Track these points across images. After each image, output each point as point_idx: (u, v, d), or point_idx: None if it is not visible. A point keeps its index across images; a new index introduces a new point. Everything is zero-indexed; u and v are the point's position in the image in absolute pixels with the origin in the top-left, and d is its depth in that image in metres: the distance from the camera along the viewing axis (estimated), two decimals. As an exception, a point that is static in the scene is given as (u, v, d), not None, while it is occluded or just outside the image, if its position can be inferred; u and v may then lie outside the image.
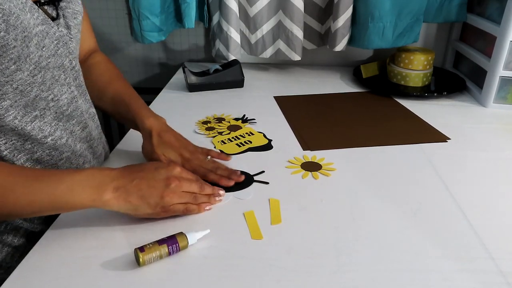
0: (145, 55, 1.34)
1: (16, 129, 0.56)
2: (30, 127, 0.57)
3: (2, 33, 0.48)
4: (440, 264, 0.53)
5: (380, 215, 0.62)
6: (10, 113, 0.54)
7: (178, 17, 1.21)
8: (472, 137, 0.87)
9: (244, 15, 1.19)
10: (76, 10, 0.65)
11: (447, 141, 0.85)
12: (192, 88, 1.09)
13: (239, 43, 1.19)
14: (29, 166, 0.60)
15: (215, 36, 1.21)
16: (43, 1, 0.58)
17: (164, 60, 1.35)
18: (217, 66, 1.12)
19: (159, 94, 1.08)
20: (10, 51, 0.50)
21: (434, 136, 0.88)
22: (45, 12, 0.59)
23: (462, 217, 0.62)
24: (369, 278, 0.50)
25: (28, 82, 0.55)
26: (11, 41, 0.50)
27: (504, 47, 0.95)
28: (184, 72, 1.09)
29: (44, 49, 0.56)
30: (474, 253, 0.55)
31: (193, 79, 1.08)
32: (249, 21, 1.19)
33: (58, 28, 0.60)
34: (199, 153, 0.72)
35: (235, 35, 1.16)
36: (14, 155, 0.58)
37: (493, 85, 1.00)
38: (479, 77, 1.07)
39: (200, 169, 0.69)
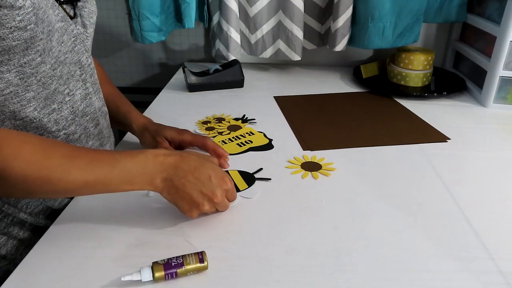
0: (145, 55, 1.34)
1: (35, 120, 0.57)
2: (47, 119, 0.59)
3: (32, 25, 0.50)
4: (440, 264, 0.53)
5: (380, 215, 0.62)
6: (31, 104, 0.56)
7: (178, 17, 1.21)
8: (472, 137, 0.87)
9: (244, 15, 1.19)
10: (92, 10, 0.68)
11: (447, 141, 0.85)
12: (192, 88, 1.09)
13: (239, 43, 1.19)
14: None
15: (215, 36, 1.21)
16: (62, 0, 0.61)
17: (164, 60, 1.35)
18: (217, 66, 1.12)
19: (159, 94, 1.08)
20: (37, 43, 0.52)
21: (434, 136, 0.88)
22: (64, 10, 0.61)
23: (462, 217, 0.62)
24: (369, 278, 0.50)
25: (49, 75, 0.57)
26: (39, 33, 0.52)
27: (504, 47, 0.95)
28: (184, 72, 1.10)
29: (62, 45, 0.59)
30: (474, 253, 0.55)
31: (193, 79, 1.08)
32: (249, 21, 1.19)
33: (75, 26, 0.63)
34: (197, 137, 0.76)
35: (235, 35, 1.16)
36: None
37: (493, 85, 1.00)
38: (479, 77, 1.07)
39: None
